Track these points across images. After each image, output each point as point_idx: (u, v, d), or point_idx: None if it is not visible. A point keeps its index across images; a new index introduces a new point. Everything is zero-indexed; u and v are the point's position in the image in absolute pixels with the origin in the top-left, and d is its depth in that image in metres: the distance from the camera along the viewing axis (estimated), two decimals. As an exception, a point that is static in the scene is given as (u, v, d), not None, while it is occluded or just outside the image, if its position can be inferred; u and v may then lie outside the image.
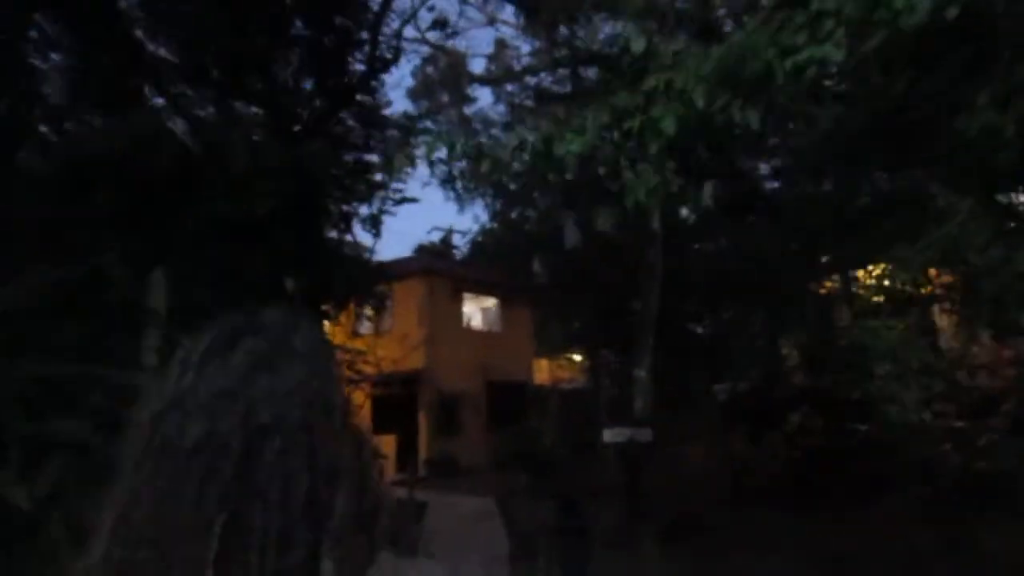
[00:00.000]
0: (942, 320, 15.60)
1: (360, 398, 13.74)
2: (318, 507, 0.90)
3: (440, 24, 17.73)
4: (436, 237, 30.44)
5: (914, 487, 10.50)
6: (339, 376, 1.06)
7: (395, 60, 12.23)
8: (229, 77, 10.23)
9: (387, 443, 18.50)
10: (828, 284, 16.48)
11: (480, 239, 31.66)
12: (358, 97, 11.63)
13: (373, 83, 11.85)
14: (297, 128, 10.98)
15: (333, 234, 11.82)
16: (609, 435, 10.29)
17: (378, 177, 11.79)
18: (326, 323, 13.03)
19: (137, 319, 4.51)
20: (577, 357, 27.55)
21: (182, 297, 4.74)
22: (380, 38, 12.08)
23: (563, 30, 24.93)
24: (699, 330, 20.89)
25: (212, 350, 0.99)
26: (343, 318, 13.52)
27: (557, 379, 28.32)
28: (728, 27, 23.38)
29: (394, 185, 11.53)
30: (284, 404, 0.94)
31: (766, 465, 13.42)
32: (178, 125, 9.36)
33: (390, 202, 11.77)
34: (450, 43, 25.74)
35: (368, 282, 11.81)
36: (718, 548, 9.86)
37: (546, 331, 25.77)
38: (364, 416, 16.14)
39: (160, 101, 9.93)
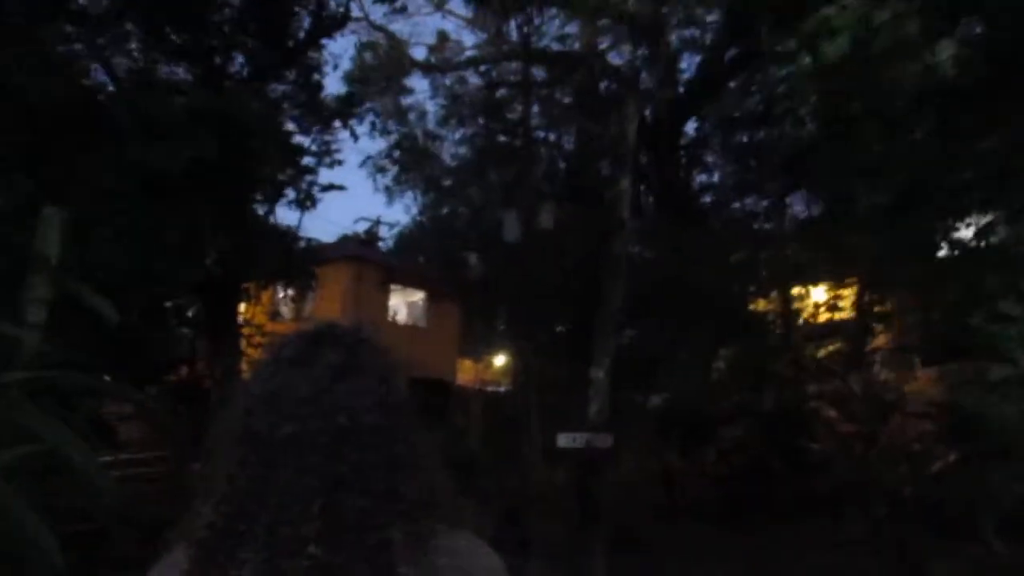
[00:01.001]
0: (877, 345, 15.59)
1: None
2: (392, 494, 1.08)
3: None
4: (362, 228, 29.44)
5: (852, 508, 10.23)
6: (402, 384, 1.23)
7: (342, 23, 11.40)
8: (152, 24, 9.23)
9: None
10: (766, 301, 16.29)
11: (409, 231, 30.80)
12: (299, 63, 10.75)
13: (316, 47, 10.98)
14: (229, 84, 10.02)
15: (260, 210, 10.96)
16: (564, 440, 9.67)
17: (307, 161, 11.12)
18: (242, 303, 12.09)
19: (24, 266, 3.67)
20: (503, 359, 26.96)
21: (88, 250, 3.98)
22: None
23: (513, 24, 24.38)
24: (631, 338, 20.56)
25: (296, 356, 1.16)
26: (263, 297, 12.57)
27: (482, 381, 27.66)
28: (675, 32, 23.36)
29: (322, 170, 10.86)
30: (360, 409, 1.12)
31: (698, 480, 13.05)
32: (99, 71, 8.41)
33: (317, 187, 11.10)
34: (392, 27, 24.78)
35: (296, 260, 10.93)
36: (655, 562, 9.40)
37: (473, 330, 25.09)
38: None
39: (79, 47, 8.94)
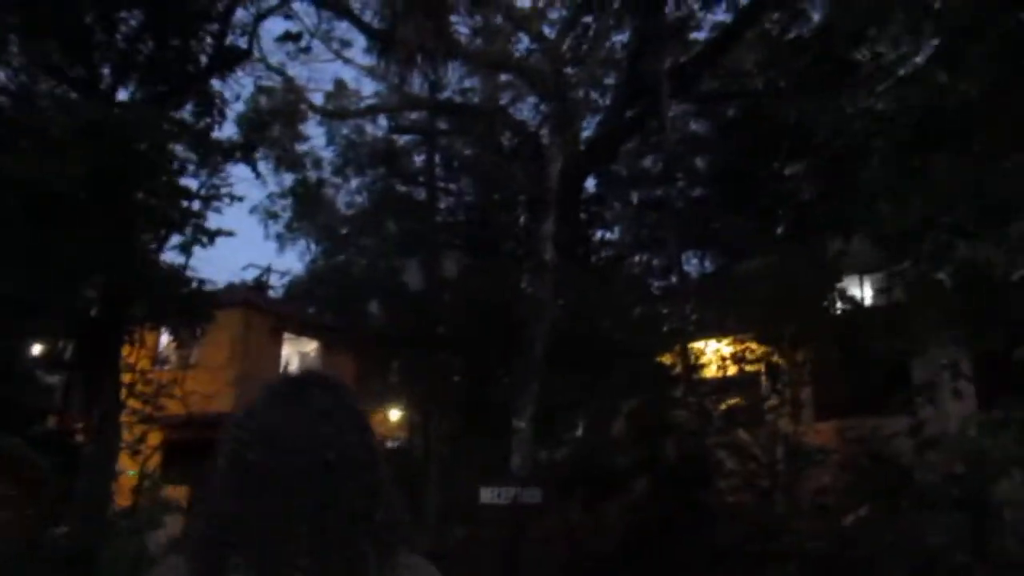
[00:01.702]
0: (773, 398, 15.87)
1: (154, 441, 11.81)
2: (367, 517, 1.28)
3: (292, 38, 16.39)
4: (251, 275, 28.27)
5: (761, 561, 10.15)
6: (372, 429, 1.46)
7: (243, 57, 10.89)
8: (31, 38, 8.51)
9: (180, 495, 16.16)
10: (670, 355, 16.38)
11: (303, 280, 29.83)
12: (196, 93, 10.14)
13: (216, 78, 10.41)
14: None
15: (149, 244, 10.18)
16: (487, 495, 9.17)
17: (195, 205, 10.45)
18: (125, 347, 11.15)
19: None
20: (398, 412, 26.11)
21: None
22: (230, 29, 10.74)
23: (416, 75, 24.32)
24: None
25: (289, 396, 1.36)
26: (148, 341, 11.64)
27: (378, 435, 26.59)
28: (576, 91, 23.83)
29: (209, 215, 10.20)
30: (344, 445, 1.31)
31: (604, 534, 12.76)
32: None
33: (204, 232, 10.44)
34: (290, 72, 24.21)
35: (190, 300, 10.14)
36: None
37: (369, 382, 24.25)
38: (154, 463, 13.97)
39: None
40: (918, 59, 9.84)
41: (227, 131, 11.44)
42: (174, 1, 9.14)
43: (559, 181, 22.39)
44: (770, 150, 16.12)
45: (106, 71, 8.89)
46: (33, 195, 5.70)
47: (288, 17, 18.86)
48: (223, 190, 10.31)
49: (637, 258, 23.86)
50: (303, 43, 16.17)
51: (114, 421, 9.41)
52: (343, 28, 23.96)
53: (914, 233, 8.22)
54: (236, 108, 20.58)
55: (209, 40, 10.10)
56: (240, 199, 11.09)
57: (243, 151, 9.71)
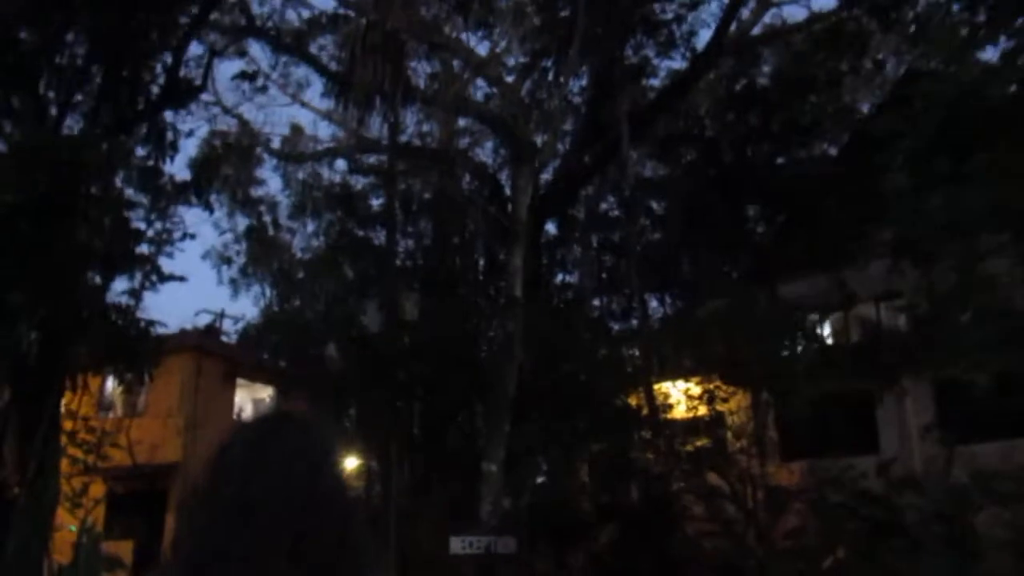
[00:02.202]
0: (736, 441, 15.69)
1: (97, 492, 11.15)
2: (342, 544, 1.29)
3: (248, 77, 16.10)
4: (204, 321, 27.45)
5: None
6: (343, 466, 1.51)
7: (199, 89, 10.58)
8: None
9: (123, 550, 15.31)
10: (635, 397, 16.16)
11: (258, 325, 29.14)
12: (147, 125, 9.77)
13: (168, 110, 10.06)
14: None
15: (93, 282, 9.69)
16: (458, 545, 8.68)
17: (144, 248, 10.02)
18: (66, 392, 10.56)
19: None
20: (355, 460, 25.37)
21: None
22: (184, 59, 10.44)
23: (373, 118, 24.18)
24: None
25: (264, 434, 1.39)
26: (90, 383, 11.01)
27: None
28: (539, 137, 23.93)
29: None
30: (318, 478, 1.32)
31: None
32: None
33: (154, 277, 10.00)
34: (246, 115, 23.85)
35: (135, 342, 9.62)
36: None
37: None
38: (97, 517, 13.22)
39: None
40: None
41: (181, 173, 11.03)
42: (123, 30, 8.81)
43: (527, 215, 22.37)
44: (729, 192, 16.23)
45: (52, 99, 8.48)
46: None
47: (243, 55, 18.62)
48: (175, 233, 9.92)
49: (597, 301, 23.74)
50: (259, 83, 15.84)
51: (52, 472, 8.81)
52: (300, 73, 23.86)
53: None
54: (189, 151, 20.18)
55: (160, 72, 9.78)
56: (192, 236, 10.68)
57: (195, 189, 9.31)
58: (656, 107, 19.02)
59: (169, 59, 9.82)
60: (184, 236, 9.51)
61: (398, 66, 21.39)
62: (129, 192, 9.59)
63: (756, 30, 19.41)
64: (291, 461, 1.32)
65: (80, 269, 8.34)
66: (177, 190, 9.13)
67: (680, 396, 15.38)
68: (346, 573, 1.26)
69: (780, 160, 15.97)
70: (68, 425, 10.20)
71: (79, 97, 8.86)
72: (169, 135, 9.12)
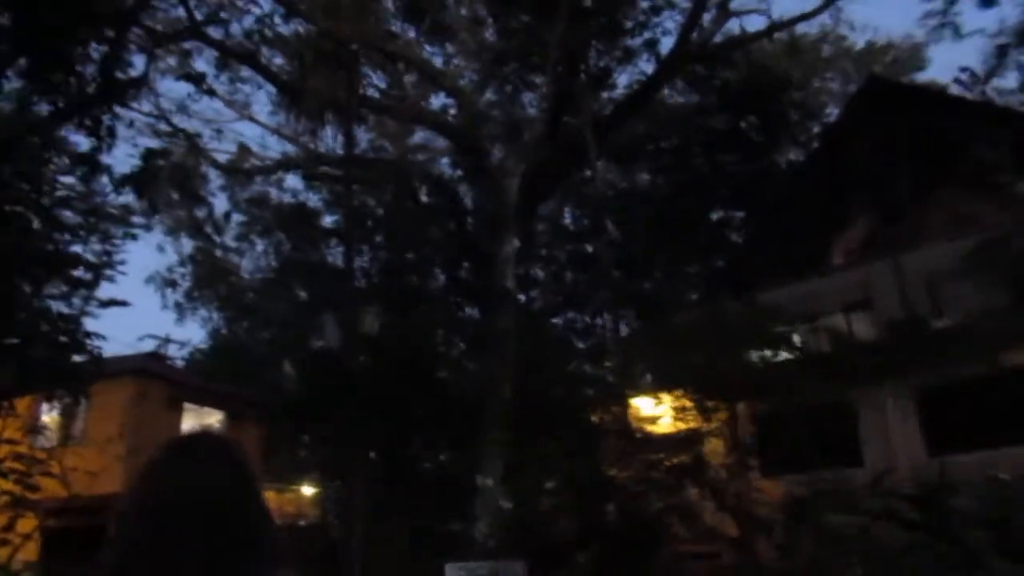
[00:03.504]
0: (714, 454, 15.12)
1: (26, 527, 10.02)
2: (252, 544, 1.45)
3: (194, 79, 15.12)
4: (149, 346, 26.09)
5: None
6: (255, 476, 1.58)
7: (140, 82, 9.71)
8: None
9: (59, 591, 14.05)
10: (607, 413, 15.50)
11: (206, 349, 27.92)
12: (86, 121, 8.86)
13: (104, 107, 9.16)
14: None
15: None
16: (454, 573, 7.78)
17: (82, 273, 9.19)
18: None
19: None
20: (310, 489, 24.21)
21: None
22: (121, 52, 9.57)
23: (327, 128, 23.37)
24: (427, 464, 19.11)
25: (178, 450, 1.55)
26: (17, 406, 9.94)
27: (284, 514, 24.58)
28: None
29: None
30: (227, 492, 1.47)
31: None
32: None
33: (95, 302, 9.13)
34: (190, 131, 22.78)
35: (69, 360, 8.63)
36: None
37: (278, 455, 22.41)
38: (30, 555, 12.03)
39: None
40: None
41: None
42: (50, 19, 7.93)
43: (473, 240, 21.67)
44: (700, 197, 15.80)
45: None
46: None
47: (189, 78, 17.53)
48: (115, 256, 9.12)
49: (561, 317, 23.14)
50: (205, 86, 14.89)
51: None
52: (247, 89, 22.94)
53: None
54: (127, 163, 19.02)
55: (96, 65, 8.91)
56: (133, 237, 9.77)
57: (136, 185, 8.44)
58: (620, 115, 18.59)
59: (105, 49, 8.95)
60: (130, 237, 8.64)
61: (351, 74, 20.67)
62: (61, 191, 8.68)
63: (717, 38, 19.25)
64: (202, 475, 1.47)
65: (4, 273, 7.38)
66: (118, 183, 8.25)
67: (655, 411, 14.78)
68: (253, 570, 1.42)
69: (751, 165, 15.65)
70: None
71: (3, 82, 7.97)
72: (107, 123, 8.22)
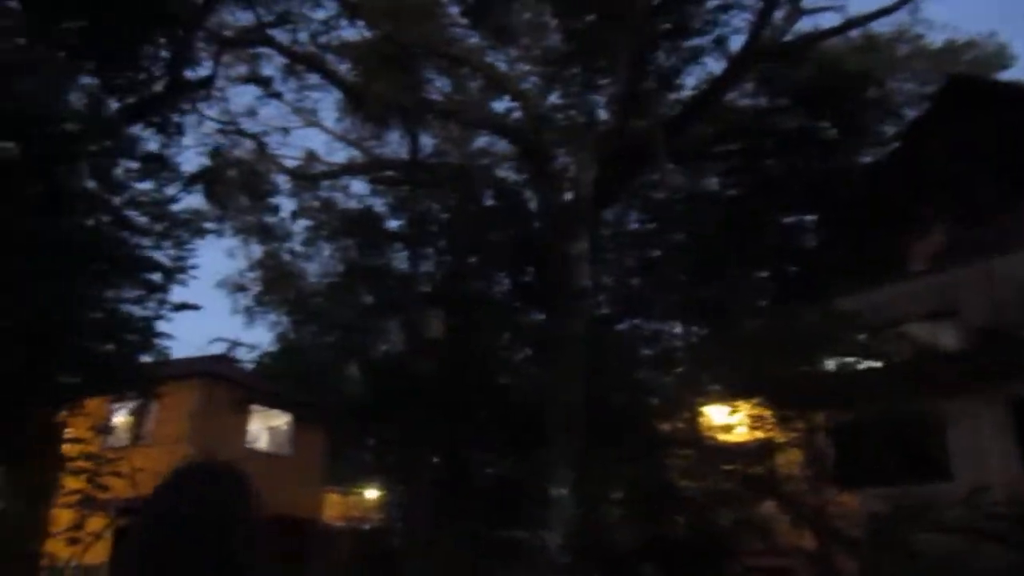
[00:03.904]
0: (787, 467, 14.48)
1: (96, 527, 10.11)
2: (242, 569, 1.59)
3: (262, 82, 15.25)
4: (218, 349, 26.57)
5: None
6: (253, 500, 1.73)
7: (209, 81, 9.73)
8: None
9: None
10: (674, 421, 15.01)
11: (274, 353, 28.25)
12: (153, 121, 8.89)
13: (173, 106, 9.18)
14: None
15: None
16: None
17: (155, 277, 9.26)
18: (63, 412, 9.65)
19: None
20: (375, 491, 24.25)
21: None
22: (188, 54, 9.60)
23: (392, 137, 23.43)
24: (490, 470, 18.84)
25: (183, 478, 1.69)
26: (87, 407, 10.05)
27: (348, 517, 24.69)
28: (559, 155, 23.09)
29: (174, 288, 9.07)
30: (225, 515, 1.63)
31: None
32: None
33: (167, 306, 9.17)
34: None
35: (133, 360, 8.65)
36: None
37: (342, 458, 22.50)
38: (99, 552, 12.21)
39: None
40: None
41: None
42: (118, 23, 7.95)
43: (538, 243, 21.38)
44: (772, 200, 15.20)
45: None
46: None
47: (257, 81, 17.75)
48: (188, 261, 9.21)
49: (625, 324, 22.64)
50: (271, 89, 15.02)
51: (34, 499, 7.85)
52: (313, 96, 23.16)
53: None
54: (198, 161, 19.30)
55: (163, 66, 8.94)
56: (202, 236, 9.83)
57: (205, 179, 8.43)
58: (688, 116, 18.10)
59: (170, 53, 8.98)
60: (201, 232, 8.69)
61: (415, 78, 20.68)
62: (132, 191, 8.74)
63: (788, 36, 18.60)
64: (203, 501, 1.64)
65: (71, 271, 7.40)
66: (187, 181, 8.25)
67: (727, 420, 14.23)
68: None
69: (824, 166, 14.99)
70: (69, 450, 9.28)
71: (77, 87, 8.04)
72: (175, 120, 8.21)
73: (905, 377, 13.57)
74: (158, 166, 7.94)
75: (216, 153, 8.80)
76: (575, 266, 11.52)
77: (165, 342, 9.19)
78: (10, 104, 6.71)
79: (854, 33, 19.47)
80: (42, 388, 7.38)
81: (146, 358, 10.14)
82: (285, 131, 20.27)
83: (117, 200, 7.64)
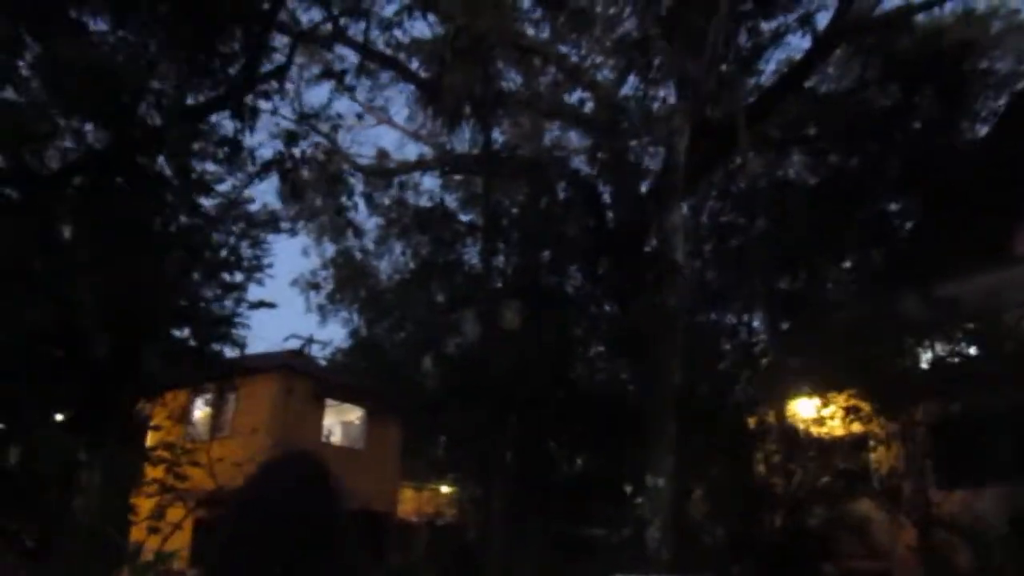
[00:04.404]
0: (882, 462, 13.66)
1: (177, 516, 10.08)
2: (330, 562, 1.67)
3: (336, 76, 15.23)
4: (293, 346, 26.87)
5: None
6: (340, 492, 1.81)
7: (280, 73, 9.59)
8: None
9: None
10: (757, 416, 14.37)
11: (347, 349, 28.41)
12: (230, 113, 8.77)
13: (248, 92, 9.05)
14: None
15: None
16: None
17: (236, 277, 9.26)
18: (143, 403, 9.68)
19: None
20: (448, 488, 24.13)
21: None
22: (266, 43, 9.48)
23: (462, 132, 23.23)
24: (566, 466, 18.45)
25: (272, 469, 1.81)
26: (167, 398, 10.08)
27: (422, 512, 24.64)
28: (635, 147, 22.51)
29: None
30: (313, 509, 1.71)
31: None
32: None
33: (245, 304, 9.13)
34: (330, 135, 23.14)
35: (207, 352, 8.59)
36: None
37: (418, 452, 22.43)
38: (182, 541, 12.28)
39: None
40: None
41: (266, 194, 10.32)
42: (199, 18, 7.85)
43: (615, 231, 20.85)
44: (863, 183, 14.33)
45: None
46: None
47: (331, 75, 17.71)
48: (264, 259, 9.23)
49: (705, 316, 21.93)
50: (346, 82, 14.92)
51: (119, 489, 7.80)
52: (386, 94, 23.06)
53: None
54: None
55: (240, 59, 8.85)
56: (277, 231, 9.75)
57: (279, 165, 8.29)
58: (771, 99, 17.30)
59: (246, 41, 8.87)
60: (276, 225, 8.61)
61: (487, 69, 20.40)
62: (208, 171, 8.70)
63: (878, 12, 17.64)
64: (291, 491, 1.71)
65: (158, 255, 7.33)
66: (261, 168, 8.12)
67: (819, 414, 13.52)
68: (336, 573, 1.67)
69: (924, 145, 14.01)
70: (152, 438, 9.31)
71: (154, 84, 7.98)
72: (250, 104, 8.05)
73: (1015, 367, 12.63)
74: (231, 151, 7.80)
75: (291, 135, 8.60)
76: (670, 239, 11.00)
77: (243, 332, 9.12)
78: (100, 91, 6.68)
79: (948, 6, 18.41)
80: (130, 377, 7.33)
81: (226, 351, 10.13)
82: (359, 117, 20.19)
83: (200, 199, 7.59)
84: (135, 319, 7.21)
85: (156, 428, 9.20)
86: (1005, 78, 15.23)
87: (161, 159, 8.12)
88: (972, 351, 13.21)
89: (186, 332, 8.96)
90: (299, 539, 1.62)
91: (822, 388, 14.09)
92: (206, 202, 8.60)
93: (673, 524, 8.32)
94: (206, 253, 8.86)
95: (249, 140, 8.61)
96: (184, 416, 11.39)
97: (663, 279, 10.77)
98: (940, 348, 13.38)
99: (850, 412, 12.88)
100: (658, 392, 9.62)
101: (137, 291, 7.22)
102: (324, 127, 15.75)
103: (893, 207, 15.68)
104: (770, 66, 18.97)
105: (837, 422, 13.08)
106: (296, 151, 9.25)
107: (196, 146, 7.58)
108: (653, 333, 10.23)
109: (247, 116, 7.73)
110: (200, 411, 16.80)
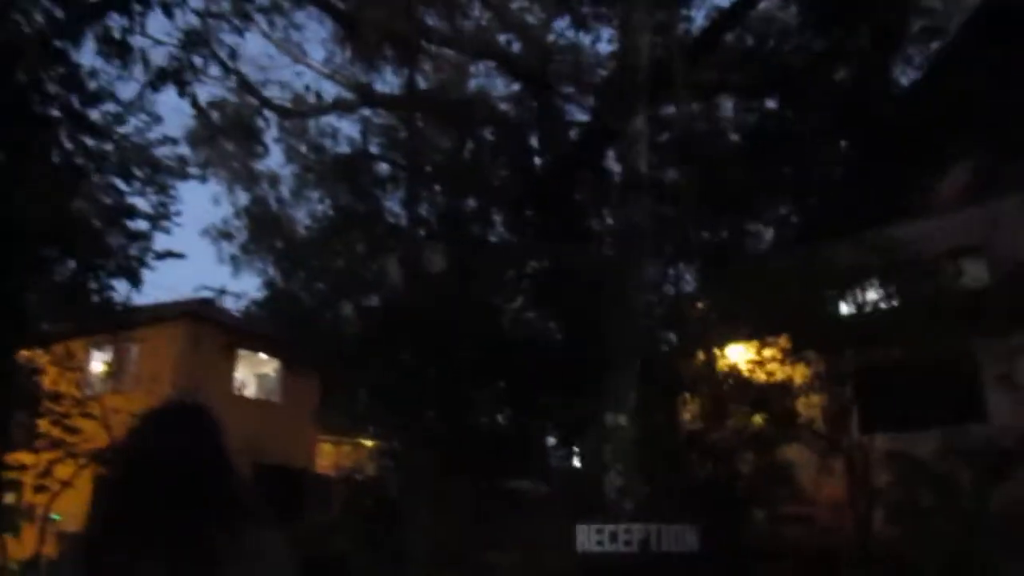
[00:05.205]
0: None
1: (68, 474, 9.21)
2: (214, 508, 1.67)
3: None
4: (204, 296, 25.57)
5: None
6: (223, 439, 1.82)
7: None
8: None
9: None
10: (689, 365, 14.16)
11: (262, 300, 27.24)
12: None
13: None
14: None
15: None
16: (587, 537, 6.36)
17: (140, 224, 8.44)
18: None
19: None
20: (368, 442, 23.45)
21: None
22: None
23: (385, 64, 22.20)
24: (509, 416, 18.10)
25: (154, 418, 1.84)
26: (67, 349, 9.15)
27: (341, 467, 23.96)
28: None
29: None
30: (195, 456, 1.72)
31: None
32: None
33: (151, 254, 8.29)
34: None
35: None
36: None
37: (337, 405, 21.64)
38: (77, 502, 11.34)
39: None
40: None
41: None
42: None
43: (540, 180, 20.30)
44: (798, 127, 14.11)
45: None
46: None
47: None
48: (171, 207, 8.53)
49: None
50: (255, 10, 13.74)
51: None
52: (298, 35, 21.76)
53: None
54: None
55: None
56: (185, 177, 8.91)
57: (175, 76, 7.33)
58: (703, 43, 16.90)
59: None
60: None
61: (410, 3, 19.38)
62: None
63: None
64: (173, 439, 1.70)
65: (35, 181, 6.38)
66: (156, 77, 7.16)
67: (747, 363, 13.37)
68: (216, 530, 1.60)
69: (855, 90, 13.85)
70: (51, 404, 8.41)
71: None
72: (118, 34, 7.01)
73: (936, 315, 12.74)
74: (120, 54, 6.82)
75: (190, 36, 7.58)
76: (632, 149, 10.46)
77: (139, 268, 8.26)
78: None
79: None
80: (8, 317, 6.46)
81: (121, 290, 9.23)
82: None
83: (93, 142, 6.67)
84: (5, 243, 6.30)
85: (38, 372, 8.32)
86: (938, 21, 15.20)
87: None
88: (898, 298, 13.23)
89: (71, 266, 8.07)
90: (178, 490, 1.60)
91: (753, 335, 13.99)
92: (95, 113, 7.70)
93: (637, 467, 7.86)
94: (94, 174, 7.96)
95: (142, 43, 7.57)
96: (77, 366, 10.38)
97: (627, 194, 10.24)
98: (870, 294, 13.38)
99: (777, 360, 12.77)
100: (617, 324, 9.18)
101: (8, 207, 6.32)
102: (224, 55, 14.51)
103: (826, 155, 15.61)
104: (700, 11, 18.63)
105: (769, 367, 12.97)
106: (197, 60, 8.25)
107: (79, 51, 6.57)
108: (619, 262, 9.74)
109: (136, 13, 6.74)
110: (100, 363, 15.64)
